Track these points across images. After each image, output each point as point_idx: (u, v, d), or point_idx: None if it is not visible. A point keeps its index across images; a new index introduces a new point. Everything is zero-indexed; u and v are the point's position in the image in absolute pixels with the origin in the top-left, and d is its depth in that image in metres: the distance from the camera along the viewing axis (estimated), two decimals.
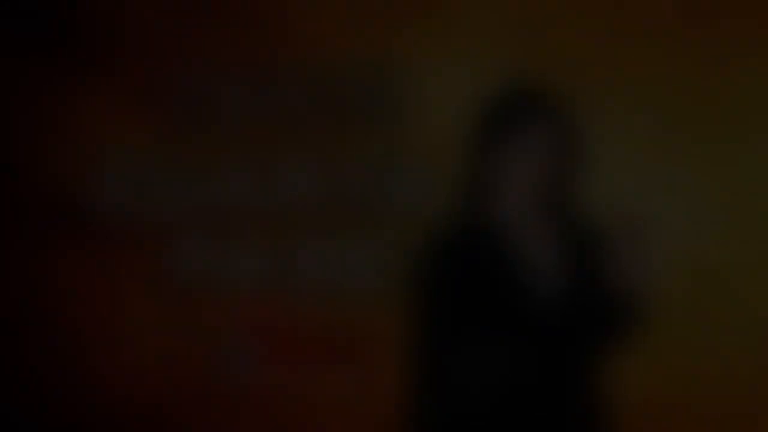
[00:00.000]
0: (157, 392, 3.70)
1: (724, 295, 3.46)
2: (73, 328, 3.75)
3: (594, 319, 2.15)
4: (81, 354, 3.74)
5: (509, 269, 2.13)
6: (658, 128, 3.48)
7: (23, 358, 3.77)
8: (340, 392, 3.62)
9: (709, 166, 3.47)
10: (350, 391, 3.61)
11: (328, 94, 3.62)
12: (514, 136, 2.15)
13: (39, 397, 3.76)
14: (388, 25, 3.58)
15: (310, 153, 3.62)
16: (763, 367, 3.44)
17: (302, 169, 3.62)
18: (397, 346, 2.23)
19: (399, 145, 3.57)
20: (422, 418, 2.11)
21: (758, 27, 3.45)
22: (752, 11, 3.45)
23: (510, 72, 3.38)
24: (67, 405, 3.75)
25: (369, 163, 3.60)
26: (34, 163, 3.75)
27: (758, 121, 3.46)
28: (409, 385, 2.12)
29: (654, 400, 3.44)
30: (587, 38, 3.49)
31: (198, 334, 3.69)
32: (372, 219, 3.60)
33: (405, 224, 3.52)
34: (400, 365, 2.15)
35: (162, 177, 3.68)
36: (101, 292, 3.73)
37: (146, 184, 3.69)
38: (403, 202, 3.57)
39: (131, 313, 3.71)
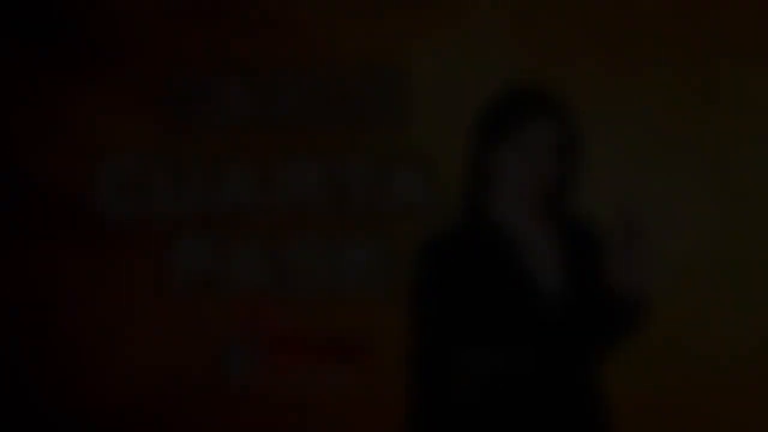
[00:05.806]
0: (159, 391, 3.71)
1: (723, 295, 3.46)
2: (74, 328, 3.75)
3: (594, 319, 2.16)
4: (81, 354, 3.75)
5: (509, 269, 2.13)
6: (658, 128, 3.49)
7: (23, 359, 3.78)
8: (340, 392, 3.62)
9: (709, 166, 3.48)
10: (350, 391, 3.61)
11: (328, 95, 3.63)
12: (515, 136, 2.15)
13: (41, 397, 3.76)
14: (390, 26, 3.58)
15: (310, 153, 3.63)
16: (762, 366, 3.45)
17: (303, 169, 3.63)
18: (398, 347, 2.23)
19: (400, 146, 3.57)
20: (422, 418, 2.11)
21: (758, 27, 3.45)
22: (752, 10, 3.45)
23: (510, 72, 3.39)
24: (69, 404, 3.76)
25: (370, 163, 3.60)
26: (37, 165, 3.75)
27: (758, 122, 3.46)
28: (409, 385, 2.12)
29: (653, 400, 3.45)
30: (588, 39, 3.50)
31: (199, 334, 3.69)
32: (372, 219, 3.60)
33: (405, 224, 3.53)
34: (401, 365, 2.16)
35: (164, 178, 3.69)
36: (102, 292, 3.73)
37: (148, 185, 3.69)
38: (403, 202, 3.58)
39: (132, 313, 3.72)
